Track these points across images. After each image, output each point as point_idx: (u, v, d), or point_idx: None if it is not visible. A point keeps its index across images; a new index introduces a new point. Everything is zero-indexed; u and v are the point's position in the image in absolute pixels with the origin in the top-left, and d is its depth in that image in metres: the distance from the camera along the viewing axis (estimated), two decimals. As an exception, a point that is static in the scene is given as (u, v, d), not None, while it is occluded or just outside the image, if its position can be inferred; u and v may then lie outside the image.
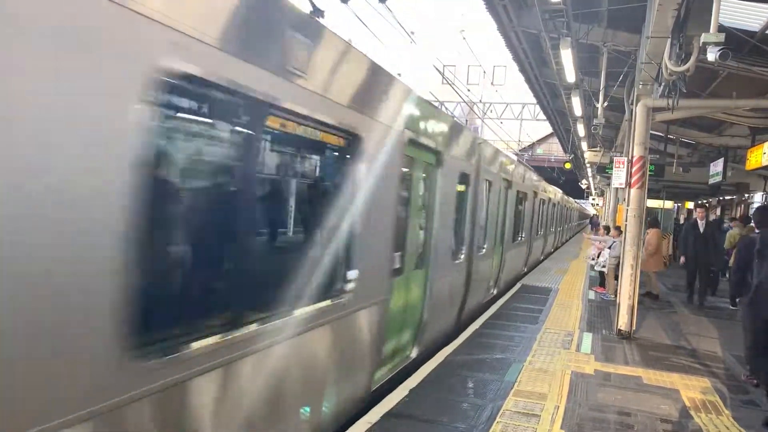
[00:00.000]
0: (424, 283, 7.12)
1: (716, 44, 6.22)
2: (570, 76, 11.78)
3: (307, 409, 4.33)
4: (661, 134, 17.07)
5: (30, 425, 2.18)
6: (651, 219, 13.86)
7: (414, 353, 6.99)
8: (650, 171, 13.32)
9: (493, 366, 7.10)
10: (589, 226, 47.26)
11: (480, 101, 39.98)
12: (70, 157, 2.26)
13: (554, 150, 53.22)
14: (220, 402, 3.26)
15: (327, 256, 4.53)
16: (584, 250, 28.62)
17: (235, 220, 3.49)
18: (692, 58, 6.95)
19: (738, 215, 23.12)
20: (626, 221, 9.61)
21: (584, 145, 22.56)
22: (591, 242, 15.72)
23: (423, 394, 5.87)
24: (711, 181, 18.88)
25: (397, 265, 6.07)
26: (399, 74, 6.55)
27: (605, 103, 14.09)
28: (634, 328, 9.42)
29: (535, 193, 17.59)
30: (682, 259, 13.52)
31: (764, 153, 13.17)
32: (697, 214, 13.78)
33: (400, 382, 6.20)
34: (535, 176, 18.58)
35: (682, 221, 27.87)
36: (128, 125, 2.51)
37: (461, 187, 8.57)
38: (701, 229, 13.03)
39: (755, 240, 6.88)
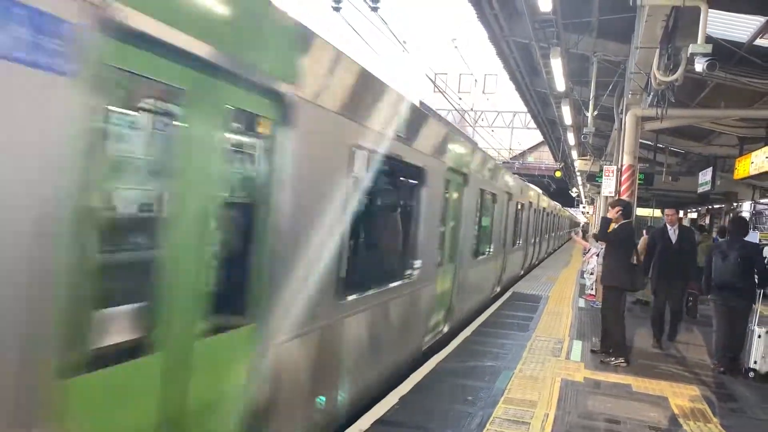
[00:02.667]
0: (454, 273, 9.22)
1: (704, 55, 6.32)
2: (560, 85, 11.89)
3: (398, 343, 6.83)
4: (650, 143, 17.22)
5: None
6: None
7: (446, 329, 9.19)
8: (640, 180, 13.45)
9: (484, 373, 7.10)
10: (581, 233, 47.41)
11: (471, 109, 40.19)
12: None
13: (545, 158, 53.50)
14: (372, 324, 5.74)
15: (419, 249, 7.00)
16: (575, 257, 28.73)
17: (395, 233, 6.52)
18: (680, 69, 7.05)
19: (698, 224, 23.49)
20: (616, 229, 9.66)
21: (574, 154, 22.72)
22: (577, 241, 17.31)
23: (413, 402, 5.87)
24: (700, 189, 19.05)
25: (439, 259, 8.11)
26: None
27: (595, 112, 14.21)
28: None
29: (531, 204, 18.78)
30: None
31: (752, 162, 13.31)
32: (667, 218, 10.06)
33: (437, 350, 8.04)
34: (531, 188, 19.15)
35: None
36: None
37: (478, 200, 10.62)
38: (673, 239, 9.58)
39: (720, 245, 8.40)
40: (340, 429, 5.07)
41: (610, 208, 8.52)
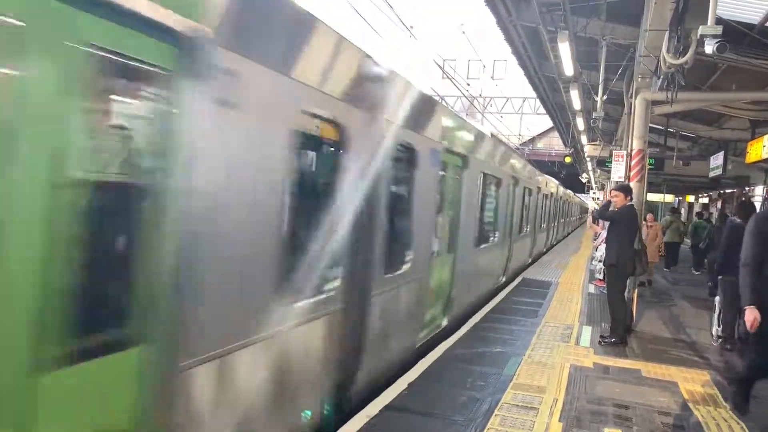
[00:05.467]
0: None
1: (714, 37, 6.22)
2: (568, 69, 11.77)
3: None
4: (660, 127, 17.05)
5: None
6: (652, 214, 14.60)
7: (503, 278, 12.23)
8: (650, 164, 13.36)
9: (493, 359, 7.11)
10: (590, 218, 47.16)
11: (480, 95, 39.95)
12: None
13: (554, 144, 53.22)
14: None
15: None
16: (585, 243, 28.61)
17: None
18: (690, 51, 6.95)
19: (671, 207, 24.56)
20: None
21: (584, 139, 22.54)
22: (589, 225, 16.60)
23: (422, 388, 5.89)
24: (711, 174, 18.89)
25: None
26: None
27: (604, 97, 14.08)
28: (633, 321, 9.43)
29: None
30: (721, 319, 6.70)
31: (764, 146, 13.17)
32: None
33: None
34: (553, 182, 19.20)
35: (703, 216, 20.89)
36: None
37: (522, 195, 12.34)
38: None
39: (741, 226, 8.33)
40: (350, 415, 5.09)
41: (618, 192, 8.59)
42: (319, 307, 4.36)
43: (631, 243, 8.23)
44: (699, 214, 22.22)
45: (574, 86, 13.94)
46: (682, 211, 31.57)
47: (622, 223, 8.27)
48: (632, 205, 8.47)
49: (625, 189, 8.62)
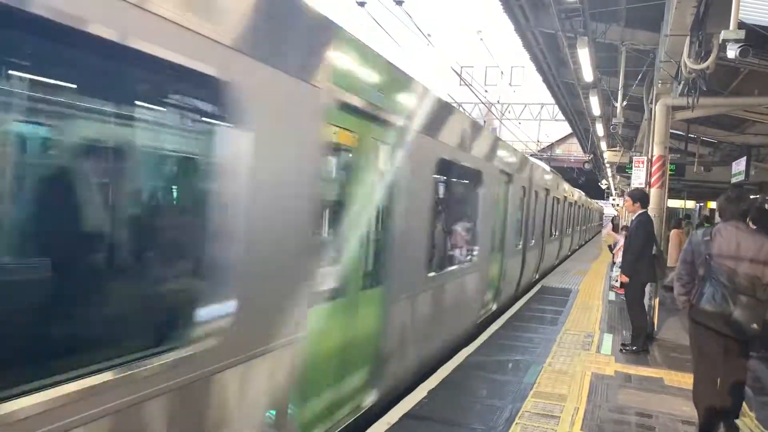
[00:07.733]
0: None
1: (736, 41, 6.14)
2: (587, 75, 11.71)
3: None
4: (681, 133, 16.85)
5: None
6: (675, 221, 14.73)
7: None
8: (671, 170, 13.22)
9: (513, 367, 7.07)
10: (611, 225, 46.73)
11: (498, 102, 39.83)
12: None
13: (573, 150, 52.82)
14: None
15: None
16: (605, 251, 28.32)
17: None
18: (712, 56, 6.88)
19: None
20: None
21: (603, 145, 22.39)
22: (608, 233, 16.79)
23: (442, 396, 5.87)
24: (733, 180, 18.60)
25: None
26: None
27: (624, 103, 13.98)
28: (655, 329, 9.32)
29: (580, 205, 20.09)
30: None
31: (788, 151, 12.98)
32: None
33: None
34: (582, 195, 19.52)
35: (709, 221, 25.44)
36: None
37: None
38: None
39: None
40: (369, 422, 5.09)
41: (627, 197, 8.64)
42: None
43: (649, 250, 8.14)
44: (707, 219, 24.36)
45: (593, 92, 13.86)
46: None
47: (637, 234, 8.19)
48: (646, 212, 8.38)
49: (633, 195, 8.52)
